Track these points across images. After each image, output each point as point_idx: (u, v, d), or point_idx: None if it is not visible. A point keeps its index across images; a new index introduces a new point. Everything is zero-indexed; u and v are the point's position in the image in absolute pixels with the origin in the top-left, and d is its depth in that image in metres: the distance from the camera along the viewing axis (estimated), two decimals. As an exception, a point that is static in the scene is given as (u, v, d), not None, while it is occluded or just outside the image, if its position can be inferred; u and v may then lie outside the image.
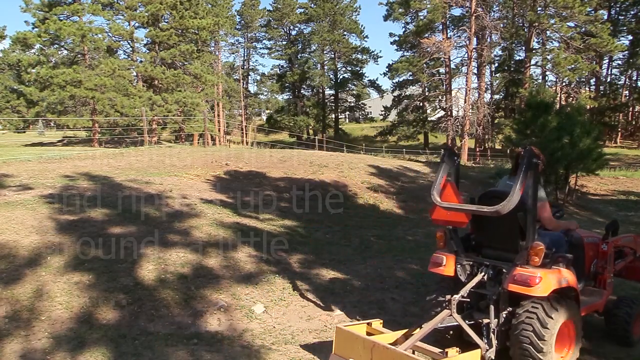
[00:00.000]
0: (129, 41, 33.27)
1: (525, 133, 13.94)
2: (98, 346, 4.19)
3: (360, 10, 59.33)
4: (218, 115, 44.49)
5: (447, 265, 4.06)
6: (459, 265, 4.04)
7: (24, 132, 36.20)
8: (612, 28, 35.86)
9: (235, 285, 5.66)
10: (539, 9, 35.30)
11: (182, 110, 32.68)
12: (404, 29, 46.88)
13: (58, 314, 4.61)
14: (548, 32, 36.09)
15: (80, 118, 30.93)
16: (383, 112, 49.81)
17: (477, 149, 38.10)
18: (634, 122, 47.47)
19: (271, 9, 56.00)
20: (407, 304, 5.63)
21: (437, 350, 3.58)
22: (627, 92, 44.82)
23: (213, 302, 5.20)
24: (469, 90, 36.66)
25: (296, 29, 56.78)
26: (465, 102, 37.33)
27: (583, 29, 35.32)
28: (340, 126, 56.11)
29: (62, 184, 8.36)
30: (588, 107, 34.30)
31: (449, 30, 42.07)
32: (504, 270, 3.80)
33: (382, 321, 4.20)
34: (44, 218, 6.43)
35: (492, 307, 3.79)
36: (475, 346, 3.67)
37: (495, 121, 40.39)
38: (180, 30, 33.96)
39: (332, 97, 55.18)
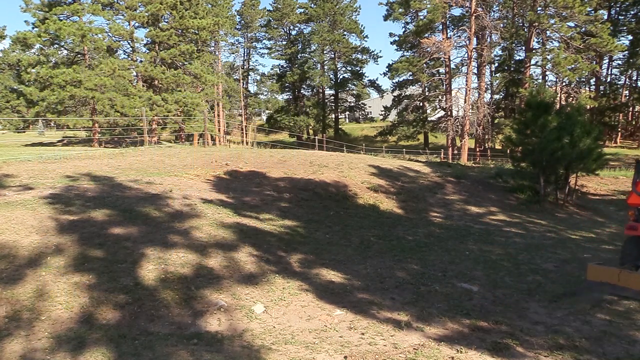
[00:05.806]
0: (129, 41, 33.23)
1: (525, 133, 13.93)
2: (98, 346, 4.19)
3: (360, 10, 59.30)
4: (218, 115, 44.49)
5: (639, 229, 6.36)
6: None
7: (24, 132, 36.20)
8: (612, 28, 35.74)
9: (235, 285, 5.66)
10: (539, 9, 35.24)
11: (182, 110, 32.64)
12: (404, 29, 46.92)
13: (58, 314, 4.61)
14: (548, 32, 36.03)
15: (80, 118, 30.92)
16: (383, 112, 49.77)
17: (477, 149, 38.05)
18: (634, 122, 47.41)
19: (271, 9, 55.98)
20: (406, 304, 5.62)
21: None
22: (627, 92, 44.73)
23: (213, 302, 5.20)
24: (469, 90, 36.61)
25: (296, 29, 56.79)
26: (465, 102, 37.27)
27: (583, 29, 35.25)
28: (340, 126, 56.06)
29: (62, 184, 8.36)
30: (588, 107, 34.25)
31: (449, 30, 41.96)
32: None
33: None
34: (44, 218, 6.43)
35: None
36: None
37: (495, 121, 40.31)
38: (180, 30, 33.96)
39: (332, 97, 55.13)
